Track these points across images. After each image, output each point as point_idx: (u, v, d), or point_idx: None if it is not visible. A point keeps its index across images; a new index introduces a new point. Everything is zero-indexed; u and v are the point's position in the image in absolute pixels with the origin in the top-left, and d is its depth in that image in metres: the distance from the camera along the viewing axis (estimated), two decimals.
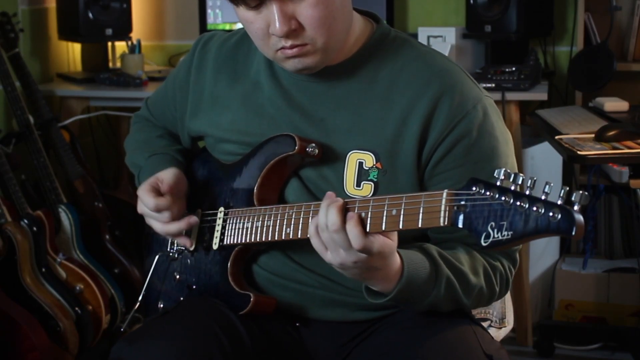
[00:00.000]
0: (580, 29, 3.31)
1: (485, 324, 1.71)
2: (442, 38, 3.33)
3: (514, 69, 3.17)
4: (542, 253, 3.42)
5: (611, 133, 2.63)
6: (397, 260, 1.41)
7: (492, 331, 1.73)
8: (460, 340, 1.48)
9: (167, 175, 1.69)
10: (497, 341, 1.57)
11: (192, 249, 1.69)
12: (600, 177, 3.24)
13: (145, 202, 1.65)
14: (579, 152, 2.54)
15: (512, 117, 3.13)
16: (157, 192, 1.65)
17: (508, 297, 1.78)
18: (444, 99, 1.53)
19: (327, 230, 1.37)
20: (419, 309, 1.51)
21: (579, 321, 3.35)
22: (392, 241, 1.38)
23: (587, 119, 2.94)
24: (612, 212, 3.43)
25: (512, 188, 1.21)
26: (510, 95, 3.12)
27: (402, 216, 1.34)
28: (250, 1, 1.48)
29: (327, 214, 1.37)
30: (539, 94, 3.16)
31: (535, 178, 1.20)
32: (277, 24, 1.46)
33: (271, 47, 1.52)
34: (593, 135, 2.66)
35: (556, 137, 2.72)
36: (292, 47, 1.49)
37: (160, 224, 1.66)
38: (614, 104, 3.04)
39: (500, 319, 1.76)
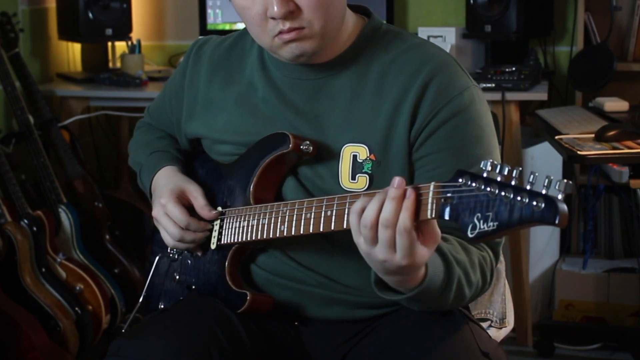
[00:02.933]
0: (580, 29, 3.31)
1: (485, 324, 1.71)
2: (442, 38, 3.33)
3: (513, 69, 3.17)
4: (542, 253, 3.42)
5: (611, 133, 2.63)
6: (423, 269, 1.38)
7: (493, 331, 1.73)
8: (457, 338, 1.47)
9: (196, 189, 1.66)
10: (494, 340, 1.57)
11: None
12: (600, 177, 3.24)
13: (176, 216, 1.63)
14: (579, 152, 2.54)
15: (512, 117, 3.13)
16: (183, 203, 1.65)
17: (508, 297, 1.78)
18: (432, 83, 1.54)
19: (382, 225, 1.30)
20: (425, 309, 1.49)
21: (579, 321, 3.35)
22: (428, 253, 1.33)
23: (587, 119, 2.94)
24: (612, 212, 3.43)
25: (498, 179, 1.21)
26: (510, 95, 3.12)
27: None
28: None
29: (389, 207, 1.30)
30: (539, 94, 3.16)
31: (520, 168, 1.21)
32: (276, 6, 1.47)
33: (268, 34, 1.52)
34: (593, 135, 2.66)
35: (556, 137, 2.72)
36: (289, 30, 1.50)
37: (172, 239, 1.66)
38: (614, 104, 3.04)
39: (500, 319, 1.76)
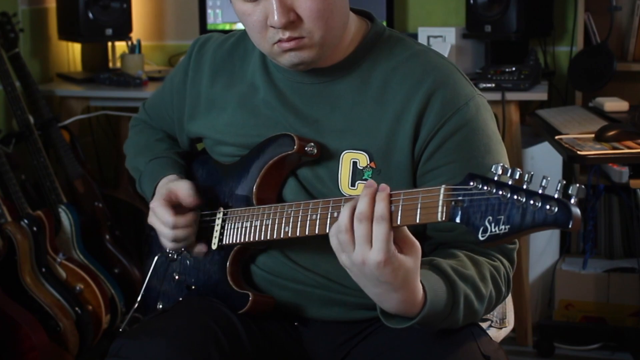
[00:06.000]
0: (580, 29, 3.31)
1: (485, 325, 1.71)
2: (442, 38, 3.33)
3: (513, 69, 3.17)
4: (542, 253, 3.42)
5: (611, 133, 2.63)
6: (418, 287, 1.36)
7: (493, 331, 1.73)
8: (457, 340, 1.47)
9: (184, 189, 1.65)
10: (495, 341, 1.56)
11: (204, 250, 1.69)
12: (600, 177, 3.24)
13: (164, 219, 1.63)
14: (579, 152, 2.54)
15: (512, 117, 3.13)
16: (172, 205, 1.64)
17: (509, 297, 1.78)
18: (436, 95, 1.53)
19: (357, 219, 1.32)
20: (437, 329, 1.47)
21: (579, 321, 3.35)
22: (412, 261, 1.33)
23: (587, 119, 2.94)
24: (612, 212, 3.43)
25: (510, 183, 1.21)
26: (510, 95, 3.12)
27: (400, 212, 1.33)
28: None
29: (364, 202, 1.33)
30: (539, 94, 3.16)
31: (532, 172, 1.21)
32: (276, 15, 1.47)
33: (268, 41, 1.52)
34: (593, 135, 2.66)
35: (556, 137, 2.72)
36: (289, 39, 1.50)
37: (171, 242, 1.65)
38: (614, 104, 3.04)
39: (500, 320, 1.76)
